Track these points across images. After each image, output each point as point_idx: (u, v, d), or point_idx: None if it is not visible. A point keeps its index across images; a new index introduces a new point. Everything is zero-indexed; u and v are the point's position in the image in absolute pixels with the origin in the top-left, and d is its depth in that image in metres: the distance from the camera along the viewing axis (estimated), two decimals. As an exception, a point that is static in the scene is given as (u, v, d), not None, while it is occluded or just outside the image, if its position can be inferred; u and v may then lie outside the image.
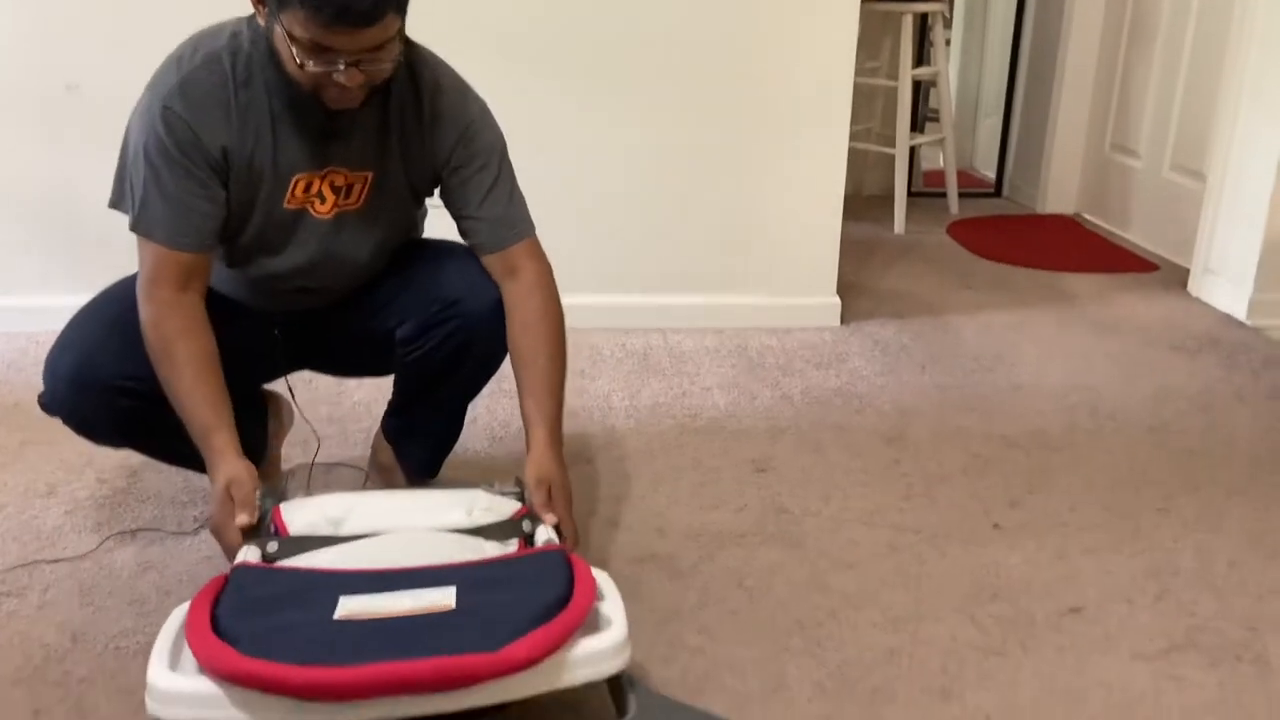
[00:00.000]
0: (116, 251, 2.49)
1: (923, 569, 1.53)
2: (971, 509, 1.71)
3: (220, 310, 1.37)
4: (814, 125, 2.47)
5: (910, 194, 3.70)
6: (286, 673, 0.93)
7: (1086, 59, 3.67)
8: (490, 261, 1.43)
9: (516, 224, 1.44)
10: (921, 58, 3.96)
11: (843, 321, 2.62)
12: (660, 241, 2.54)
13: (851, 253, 3.04)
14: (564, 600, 1.06)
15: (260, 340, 1.51)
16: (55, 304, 2.43)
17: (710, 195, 2.51)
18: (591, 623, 1.08)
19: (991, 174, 4.26)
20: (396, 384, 1.57)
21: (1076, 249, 3.37)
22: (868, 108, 3.90)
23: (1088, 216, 3.76)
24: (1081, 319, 2.68)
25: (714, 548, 1.58)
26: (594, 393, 2.16)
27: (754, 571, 1.51)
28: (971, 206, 3.93)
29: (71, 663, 1.29)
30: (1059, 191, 3.83)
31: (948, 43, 3.97)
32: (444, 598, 1.07)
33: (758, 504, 1.71)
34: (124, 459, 1.81)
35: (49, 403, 1.37)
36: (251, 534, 1.24)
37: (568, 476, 1.37)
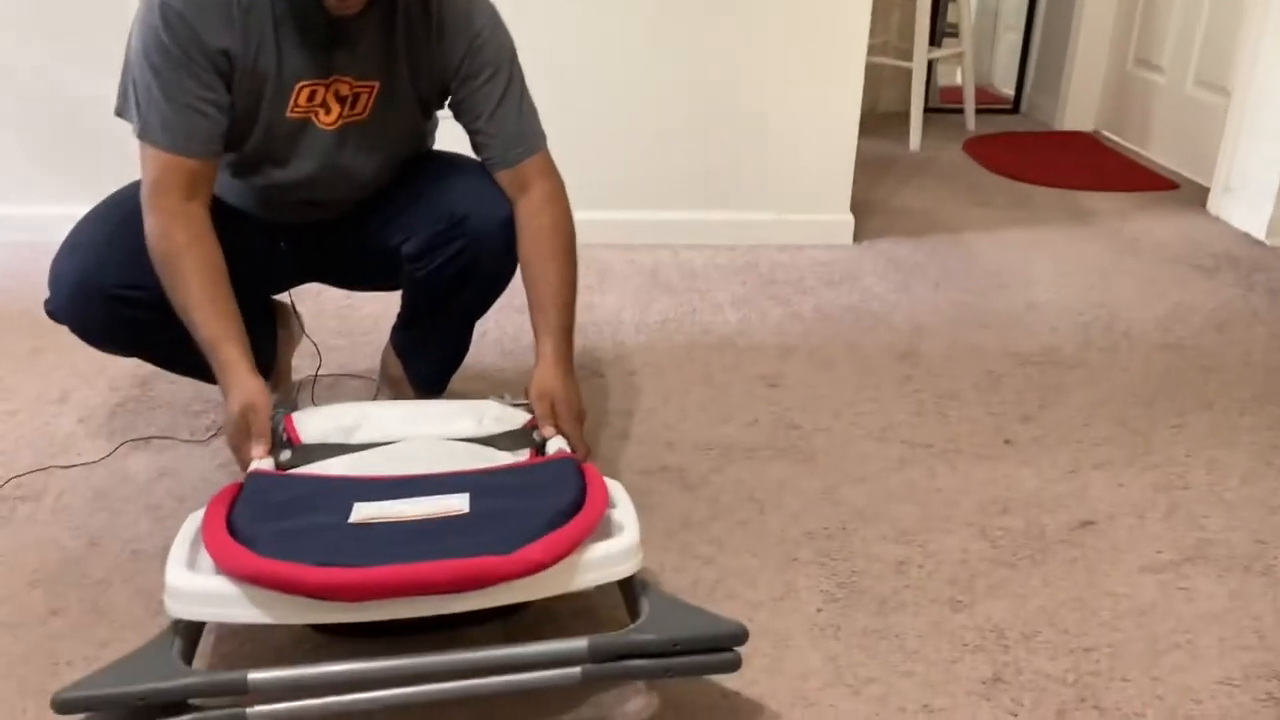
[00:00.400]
0: (121, 157, 2.46)
1: (933, 483, 1.53)
2: (983, 425, 1.70)
3: (227, 220, 1.34)
4: (830, 38, 2.41)
5: (926, 110, 3.63)
6: (303, 573, 0.93)
7: (1111, -29, 3.56)
8: (502, 177, 1.40)
9: (527, 138, 1.41)
10: (941, -32, 3.85)
11: (856, 239, 2.58)
12: (671, 156, 2.50)
13: (866, 170, 3.00)
14: (577, 505, 1.06)
15: (268, 251, 1.49)
16: (62, 212, 2.42)
17: (722, 109, 2.46)
18: (604, 529, 1.08)
19: (1010, 90, 4.17)
20: (404, 299, 1.56)
21: (1095, 167, 3.31)
22: (884, 20, 3.80)
23: (1107, 134, 3.68)
24: (1098, 237, 2.64)
25: (724, 461, 1.58)
26: (603, 308, 2.14)
27: (764, 485, 1.52)
28: (989, 123, 3.86)
29: (88, 565, 1.30)
30: (1079, 108, 3.75)
31: (969, -47, 3.85)
32: (458, 503, 1.07)
33: (768, 419, 1.71)
34: (135, 367, 1.81)
35: (54, 310, 1.37)
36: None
37: (576, 390, 1.37)
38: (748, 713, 1.09)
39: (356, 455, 1.21)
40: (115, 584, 1.27)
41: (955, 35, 3.92)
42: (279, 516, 1.05)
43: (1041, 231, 2.68)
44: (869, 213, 2.76)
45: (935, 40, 3.94)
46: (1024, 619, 1.24)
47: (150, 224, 1.28)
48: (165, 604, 1.00)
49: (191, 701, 0.95)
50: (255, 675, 0.95)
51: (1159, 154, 3.36)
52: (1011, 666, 1.17)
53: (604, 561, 1.04)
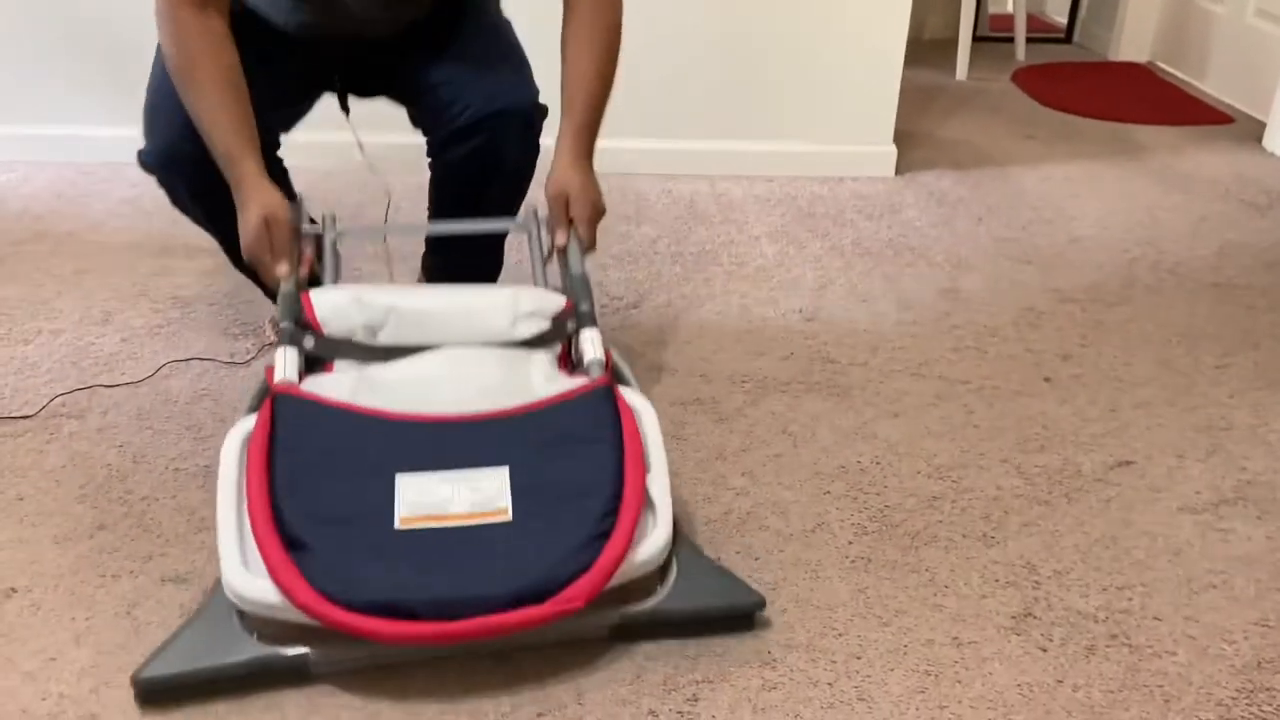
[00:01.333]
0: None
1: (970, 420, 1.52)
2: (1023, 362, 1.68)
3: (263, 34, 1.33)
4: (879, -41, 2.34)
5: (975, 39, 3.52)
6: (365, 623, 0.96)
7: (1175, -107, 3.41)
8: None
9: None
10: (996, -111, 3.70)
11: (898, 171, 2.53)
12: (709, 85, 2.45)
13: (910, 100, 2.92)
14: (615, 505, 1.06)
15: (318, 80, 1.48)
16: (103, 134, 2.44)
17: (763, 37, 2.40)
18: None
19: (1063, 19, 4.03)
20: (431, 204, 1.55)
21: (1148, 99, 3.21)
22: (935, -56, 3.67)
23: (1162, 65, 3.56)
24: (1149, 171, 2.57)
25: (759, 394, 1.57)
26: (639, 238, 2.13)
27: (799, 418, 1.51)
28: (1040, 53, 3.74)
29: (133, 482, 1.33)
30: (1134, 38, 3.62)
31: (1025, -127, 3.70)
32: (499, 494, 1.07)
33: (804, 353, 1.70)
34: (175, 290, 1.83)
35: (146, 164, 1.38)
36: (289, 278, 1.27)
37: (594, 185, 1.35)
38: (777, 643, 1.10)
39: (386, 375, 1.20)
40: (159, 500, 1.30)
41: (1007, -40, 3.78)
42: (323, 497, 1.05)
43: (1090, 166, 2.61)
44: (912, 144, 2.70)
45: (987, -35, 3.82)
46: (1057, 556, 1.24)
47: (165, 34, 1.26)
48: (228, 595, 1.01)
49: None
50: (316, 653, 1.03)
51: (1215, 87, 3.25)
52: (1042, 602, 1.17)
53: (638, 566, 1.06)
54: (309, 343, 1.21)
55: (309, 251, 1.33)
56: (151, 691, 1.00)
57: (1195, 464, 1.42)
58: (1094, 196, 2.41)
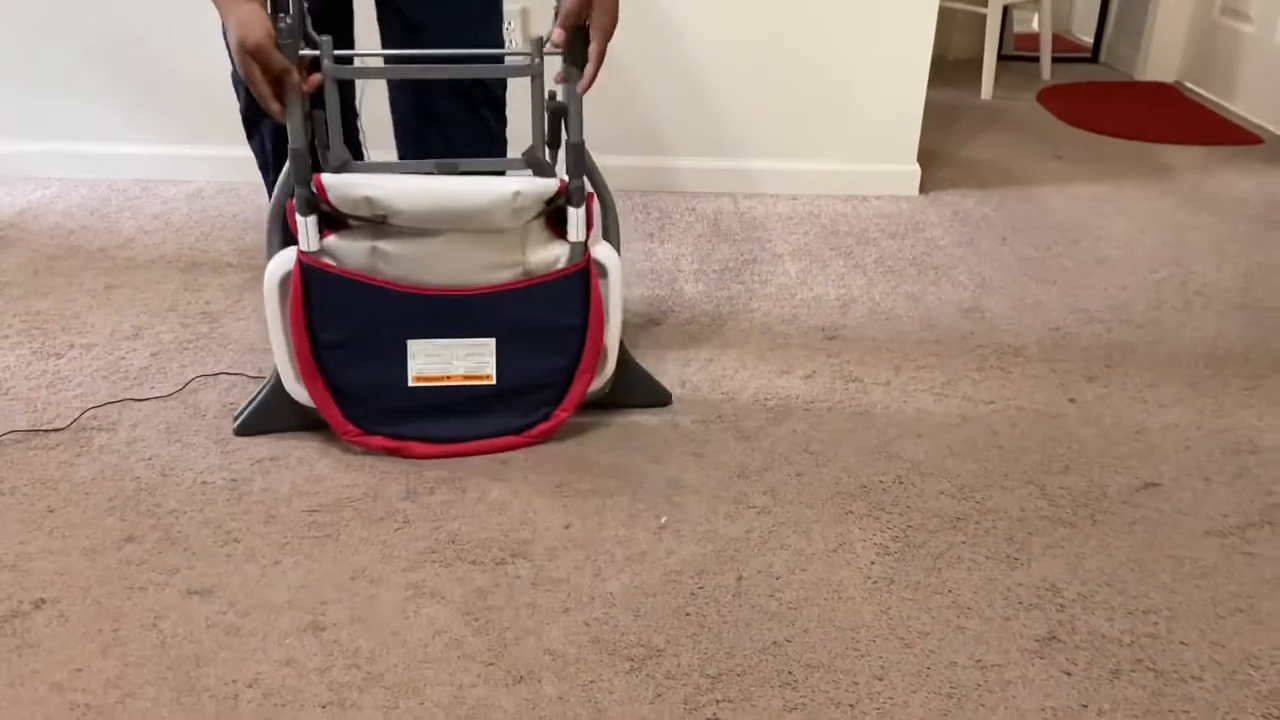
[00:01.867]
0: (193, 100, 2.50)
1: (994, 440, 1.51)
2: (1047, 382, 1.67)
3: None
4: (903, -21, 2.34)
5: (1000, 58, 3.52)
6: (385, 443, 1.43)
7: (1202, -88, 3.40)
8: None
9: None
10: (1021, -91, 3.70)
11: (922, 190, 2.53)
12: (733, 103, 2.46)
13: (934, 119, 2.93)
14: (570, 377, 1.46)
15: None
16: (135, 151, 2.48)
17: (787, 54, 2.41)
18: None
19: (1089, 39, 4.03)
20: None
21: (1176, 119, 3.19)
22: (960, -36, 3.68)
23: (1190, 85, 3.55)
24: (1176, 192, 2.56)
25: (781, 412, 1.57)
26: (662, 256, 2.14)
27: (821, 437, 1.51)
28: (1065, 72, 3.74)
29: (161, 495, 1.35)
30: (1161, 58, 3.61)
31: (1051, -107, 3.70)
32: (487, 362, 1.43)
33: (827, 371, 1.70)
34: (205, 304, 1.85)
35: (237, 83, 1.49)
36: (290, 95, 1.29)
37: None
38: (799, 663, 1.10)
39: (396, 245, 1.38)
40: (186, 513, 1.31)
41: (1033, -20, 3.78)
42: (355, 360, 1.40)
43: (1116, 185, 2.60)
44: (936, 163, 2.70)
45: (1012, -15, 3.81)
46: (1081, 578, 1.23)
47: None
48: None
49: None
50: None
51: (1244, 107, 3.23)
52: (1067, 625, 1.16)
53: (589, 394, 1.49)
54: (324, 207, 1.36)
55: (313, 77, 1.32)
56: (244, 430, 1.47)
57: (1222, 487, 1.41)
58: (1120, 216, 2.40)
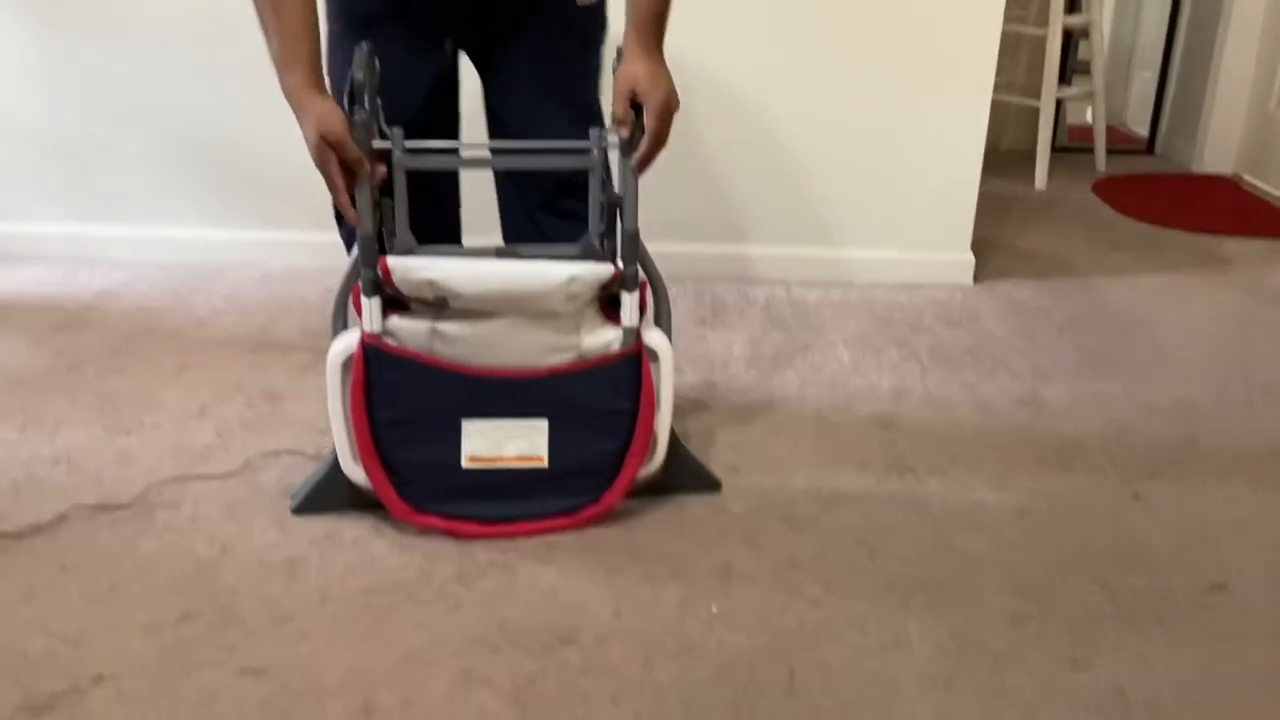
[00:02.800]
0: (266, 187, 2.60)
1: (1054, 536, 1.48)
2: (1109, 477, 1.64)
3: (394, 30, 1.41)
4: (956, 73, 2.38)
5: (1054, 149, 3.53)
6: (441, 523, 1.44)
7: (1254, 7, 3.42)
8: None
9: None
10: (1073, 5, 3.76)
11: (976, 280, 2.53)
12: (787, 191, 2.50)
13: (988, 208, 2.94)
14: (620, 463, 1.46)
15: (439, 58, 1.51)
16: (211, 236, 2.58)
17: (841, 144, 2.45)
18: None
19: (1143, 130, 4.03)
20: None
21: (1234, 211, 3.17)
22: (1011, 57, 3.73)
23: (1248, 178, 3.52)
24: (1237, 285, 2.53)
25: (834, 502, 1.56)
26: (715, 342, 2.15)
27: (876, 528, 1.49)
28: (1120, 164, 3.74)
29: (220, 572, 1.37)
30: (1218, 150, 3.60)
31: (1103, -10, 3.76)
32: (539, 445, 1.45)
33: (881, 461, 1.68)
34: (269, 384, 1.90)
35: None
36: (359, 177, 1.34)
37: (665, 77, 1.34)
38: (853, 761, 1.07)
39: (454, 327, 1.42)
40: (243, 591, 1.33)
41: (1086, 73, 3.81)
42: (410, 441, 1.43)
43: (1175, 277, 2.58)
44: (991, 252, 2.70)
45: (1065, 78, 3.85)
46: (1149, 683, 1.19)
47: None
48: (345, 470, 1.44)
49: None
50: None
51: (1305, 199, 3.19)
52: (1134, 732, 1.12)
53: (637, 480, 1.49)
54: (389, 290, 1.40)
55: (381, 168, 1.37)
56: (301, 509, 1.50)
57: (1296, 590, 1.36)
58: (1181, 309, 2.37)
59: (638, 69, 1.34)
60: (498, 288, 1.40)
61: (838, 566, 1.40)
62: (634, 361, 1.45)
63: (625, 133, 1.36)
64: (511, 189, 1.63)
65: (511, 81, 1.52)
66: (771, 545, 1.45)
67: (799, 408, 1.87)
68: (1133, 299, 2.43)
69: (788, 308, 2.36)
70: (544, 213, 1.58)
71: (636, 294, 1.44)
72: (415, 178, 1.40)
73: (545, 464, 1.46)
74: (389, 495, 1.44)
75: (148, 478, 1.59)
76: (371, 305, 1.40)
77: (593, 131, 1.40)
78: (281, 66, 1.31)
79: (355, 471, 1.45)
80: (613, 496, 1.47)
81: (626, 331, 1.45)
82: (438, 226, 1.52)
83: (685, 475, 1.57)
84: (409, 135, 1.38)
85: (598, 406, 1.45)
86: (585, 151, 1.41)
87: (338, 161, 1.31)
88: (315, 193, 1.40)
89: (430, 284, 1.38)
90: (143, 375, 1.95)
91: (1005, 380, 1.99)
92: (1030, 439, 1.76)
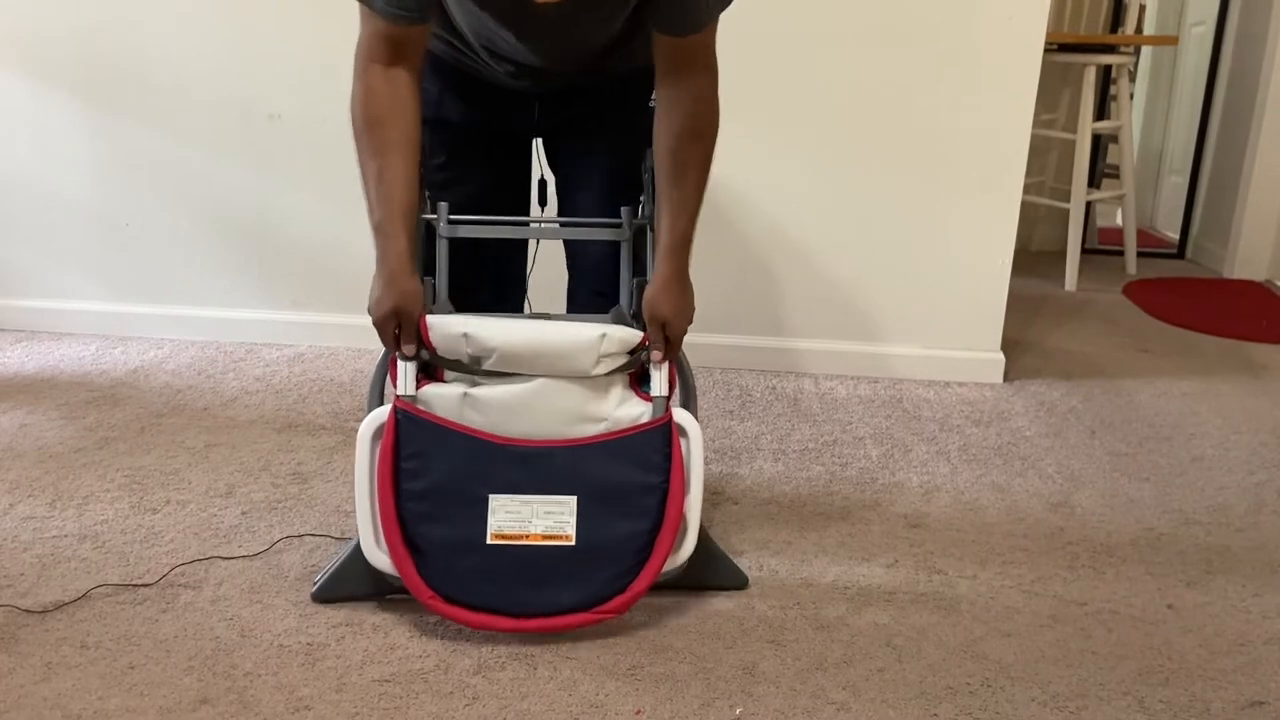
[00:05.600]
0: (298, 269, 2.65)
1: (1088, 645, 1.44)
2: (1144, 585, 1.60)
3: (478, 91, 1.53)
4: (987, 175, 2.41)
5: (1084, 251, 3.55)
6: (468, 616, 1.39)
7: (1286, 117, 3.46)
8: (661, 43, 1.38)
9: (697, 12, 1.36)
10: (1102, 111, 3.81)
11: (1006, 379, 2.52)
12: (818, 285, 2.52)
13: (1018, 308, 2.94)
14: (652, 540, 1.42)
15: (518, 114, 1.59)
16: (242, 316, 2.63)
17: (874, 240, 2.48)
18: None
19: (1174, 234, 4.05)
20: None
21: (1267, 317, 3.15)
22: (1041, 160, 3.77)
23: (1281, 283, 3.51)
24: (1272, 392, 2.50)
25: (861, 602, 1.53)
26: (742, 434, 2.14)
27: (903, 631, 1.46)
28: (1151, 267, 3.74)
29: (238, 656, 1.36)
30: (1250, 256, 3.60)
31: (1131, 96, 3.81)
32: (567, 522, 1.41)
33: (910, 561, 1.66)
34: (297, 465, 1.91)
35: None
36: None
37: (687, 305, 1.47)
38: None
39: (486, 392, 1.43)
40: (261, 677, 1.32)
41: (1113, 176, 3.85)
42: (434, 516, 1.40)
43: (1208, 382, 2.55)
44: (1021, 352, 2.69)
45: (1094, 181, 3.88)
46: (1188, 806, 1.14)
47: (355, 87, 1.35)
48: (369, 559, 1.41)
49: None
50: None
51: (1340, 306, 3.17)
52: None
53: (666, 572, 1.45)
54: (424, 355, 1.43)
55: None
56: (321, 597, 1.49)
57: (1341, 711, 1.31)
58: (1214, 414, 2.34)
59: (666, 305, 1.45)
60: (530, 341, 1.43)
61: (865, 670, 1.37)
62: (664, 432, 1.44)
63: (659, 358, 1.47)
64: (575, 284, 1.72)
65: (584, 176, 1.63)
66: (797, 646, 1.42)
67: (826, 503, 1.85)
68: (1165, 403, 2.40)
69: (816, 401, 2.35)
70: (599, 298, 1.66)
71: (666, 368, 1.47)
72: (467, 253, 1.53)
73: (573, 542, 1.41)
74: (410, 576, 1.39)
75: (172, 557, 1.59)
76: (407, 370, 1.42)
77: (624, 210, 1.51)
78: (381, 231, 1.36)
79: (377, 556, 1.42)
80: (641, 584, 1.41)
81: (656, 401, 1.47)
82: (497, 302, 1.62)
83: (712, 571, 1.54)
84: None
85: (627, 481, 1.43)
86: (617, 226, 1.54)
87: (395, 330, 1.40)
88: (347, 275, 1.46)
89: (465, 337, 1.42)
90: (171, 453, 1.96)
91: (1036, 482, 1.96)
92: (1063, 544, 1.73)
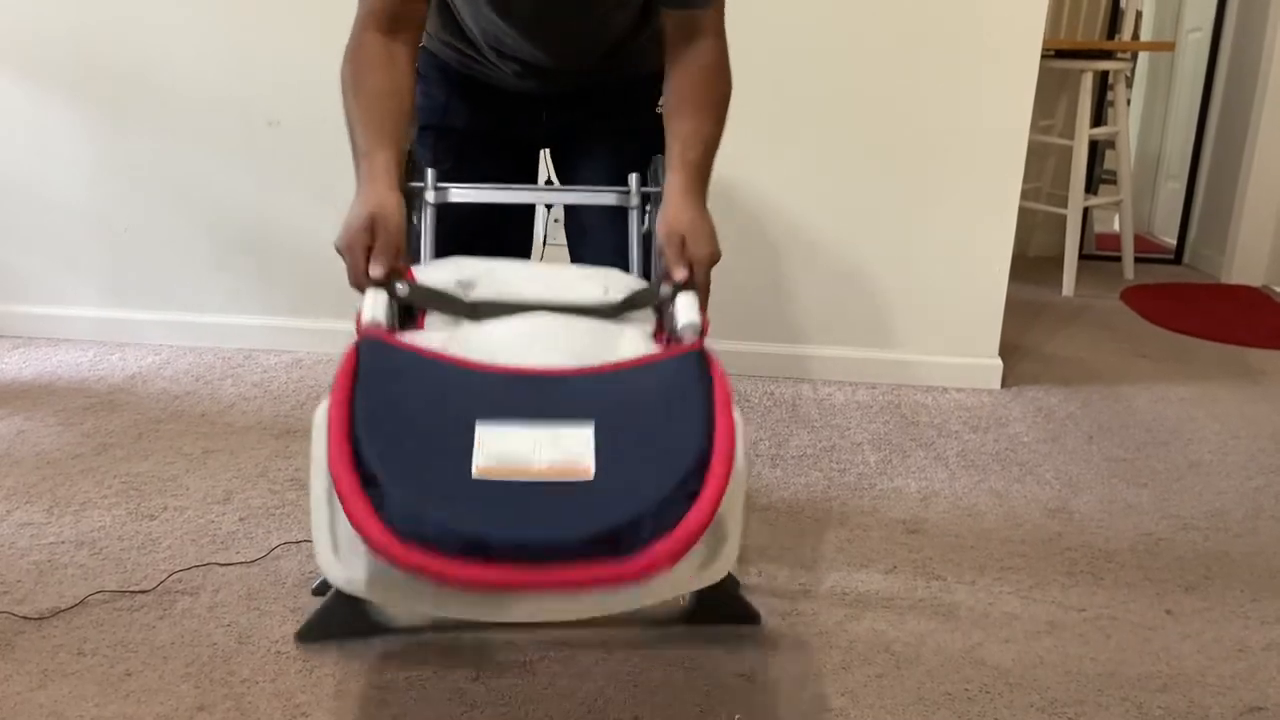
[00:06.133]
0: (296, 275, 2.65)
1: (1086, 650, 1.44)
2: (1142, 591, 1.60)
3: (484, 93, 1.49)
4: (984, 181, 2.41)
5: (1081, 256, 3.55)
6: (444, 565, 0.89)
7: (1283, 122, 3.47)
8: (669, 17, 1.34)
9: None
10: (1099, 117, 3.82)
11: (1004, 384, 2.52)
12: (815, 291, 2.52)
13: (1015, 314, 2.94)
14: (701, 470, 0.97)
15: (525, 120, 1.55)
16: (241, 322, 2.62)
17: (871, 247, 2.48)
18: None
19: (1171, 240, 4.05)
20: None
21: (1264, 322, 3.16)
22: (1038, 166, 3.78)
23: (1278, 290, 3.52)
24: (1269, 396, 2.50)
25: (860, 608, 1.53)
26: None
27: (902, 637, 1.46)
28: (1148, 273, 3.75)
29: (236, 663, 1.35)
30: (1247, 261, 3.60)
31: (1128, 102, 3.82)
32: (583, 454, 0.99)
33: (908, 567, 1.66)
34: (296, 471, 1.90)
35: None
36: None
37: (709, 225, 1.28)
38: None
39: (473, 332, 1.15)
40: (258, 683, 1.31)
41: (1111, 182, 3.85)
42: (402, 438, 0.99)
43: (1206, 388, 2.56)
44: (1018, 358, 2.70)
45: (1091, 188, 3.89)
46: (1187, 812, 1.14)
47: (346, 54, 1.28)
48: (325, 574, 1.01)
49: None
50: None
51: (1337, 311, 3.18)
52: None
53: (707, 575, 1.04)
54: (401, 289, 1.16)
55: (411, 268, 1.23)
56: (304, 638, 1.40)
57: (1339, 717, 1.31)
58: (1212, 420, 2.34)
59: (683, 220, 1.27)
60: (530, 271, 1.25)
61: (863, 676, 1.37)
62: (699, 358, 1.09)
63: (683, 275, 1.24)
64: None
65: (590, 180, 1.59)
66: (796, 652, 1.42)
67: (824, 509, 1.85)
68: (1162, 408, 2.40)
69: (814, 406, 2.35)
70: None
71: (693, 295, 1.21)
72: (465, 251, 1.31)
73: (590, 477, 0.97)
74: (359, 511, 0.92)
75: (170, 563, 1.59)
76: (376, 297, 1.14)
77: (632, 177, 1.38)
78: (362, 151, 1.22)
79: (334, 567, 1.01)
80: (668, 546, 0.92)
81: (685, 328, 1.17)
82: None
83: (723, 607, 1.45)
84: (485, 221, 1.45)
85: (663, 404, 1.05)
86: (625, 194, 1.39)
87: (366, 248, 1.18)
88: (345, 280, 1.39)
89: (454, 262, 1.24)
90: (169, 460, 1.96)
91: (1034, 487, 1.96)
92: (1061, 550, 1.73)
